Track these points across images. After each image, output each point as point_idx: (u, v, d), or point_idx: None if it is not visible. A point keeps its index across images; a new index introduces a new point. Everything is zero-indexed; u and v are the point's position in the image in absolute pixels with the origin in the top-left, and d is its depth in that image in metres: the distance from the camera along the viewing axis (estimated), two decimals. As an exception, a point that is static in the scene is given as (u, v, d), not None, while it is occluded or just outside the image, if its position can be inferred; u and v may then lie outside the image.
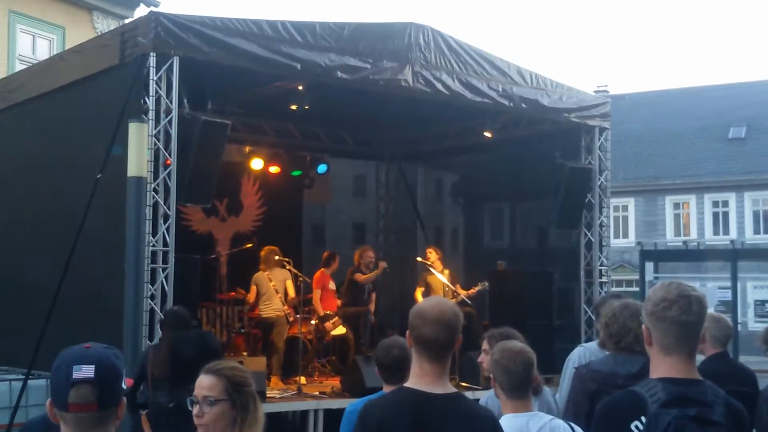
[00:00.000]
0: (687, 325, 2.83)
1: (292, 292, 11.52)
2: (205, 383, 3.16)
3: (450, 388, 3.16)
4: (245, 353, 11.41)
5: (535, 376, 3.96)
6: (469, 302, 12.00)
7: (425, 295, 12.24)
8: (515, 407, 3.88)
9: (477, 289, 12.15)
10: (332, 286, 12.33)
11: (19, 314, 10.53)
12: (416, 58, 10.45)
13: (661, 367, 2.86)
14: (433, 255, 12.46)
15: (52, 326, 9.39)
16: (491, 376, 3.98)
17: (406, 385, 3.17)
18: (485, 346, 4.69)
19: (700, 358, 5.10)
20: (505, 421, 3.72)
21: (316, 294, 12.20)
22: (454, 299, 11.94)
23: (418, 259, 13.10)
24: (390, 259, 15.38)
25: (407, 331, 3.21)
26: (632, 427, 2.79)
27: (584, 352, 5.27)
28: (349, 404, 4.54)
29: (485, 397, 4.74)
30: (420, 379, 3.13)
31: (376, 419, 3.11)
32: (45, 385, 9.36)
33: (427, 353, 3.11)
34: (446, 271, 12.47)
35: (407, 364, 3.22)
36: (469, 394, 9.53)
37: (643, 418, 2.75)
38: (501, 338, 4.59)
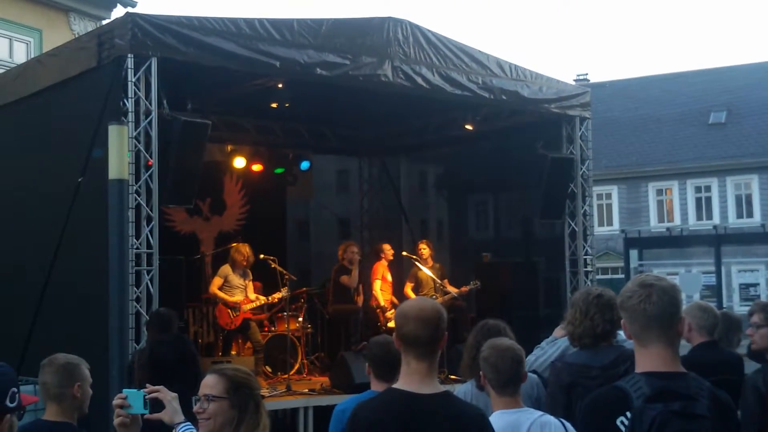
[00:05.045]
0: (649, 314, 2.84)
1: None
2: (208, 382, 3.31)
3: (438, 387, 3.17)
4: (234, 353, 11.41)
5: (524, 374, 3.97)
6: (458, 297, 12.03)
7: (415, 290, 12.28)
8: (505, 404, 3.90)
9: (468, 288, 12.16)
10: (389, 277, 12.49)
11: (4, 319, 10.46)
12: (395, 52, 10.42)
13: (643, 360, 2.88)
14: (426, 250, 12.46)
15: (38, 331, 9.34)
16: (481, 372, 4.00)
17: (395, 386, 3.20)
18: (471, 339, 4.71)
19: (688, 346, 5.12)
20: (495, 418, 3.74)
21: (376, 285, 12.29)
22: (446, 295, 11.97)
23: (404, 253, 13.09)
24: (376, 253, 15.41)
25: (393, 333, 3.26)
26: (617, 422, 2.79)
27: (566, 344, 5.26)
28: (339, 403, 4.54)
29: (461, 389, 4.69)
30: (408, 378, 3.15)
31: (365, 423, 3.12)
32: (33, 390, 9.31)
33: (412, 351, 3.15)
34: (437, 265, 12.48)
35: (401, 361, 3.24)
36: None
37: (629, 414, 2.75)
38: (489, 332, 4.59)
